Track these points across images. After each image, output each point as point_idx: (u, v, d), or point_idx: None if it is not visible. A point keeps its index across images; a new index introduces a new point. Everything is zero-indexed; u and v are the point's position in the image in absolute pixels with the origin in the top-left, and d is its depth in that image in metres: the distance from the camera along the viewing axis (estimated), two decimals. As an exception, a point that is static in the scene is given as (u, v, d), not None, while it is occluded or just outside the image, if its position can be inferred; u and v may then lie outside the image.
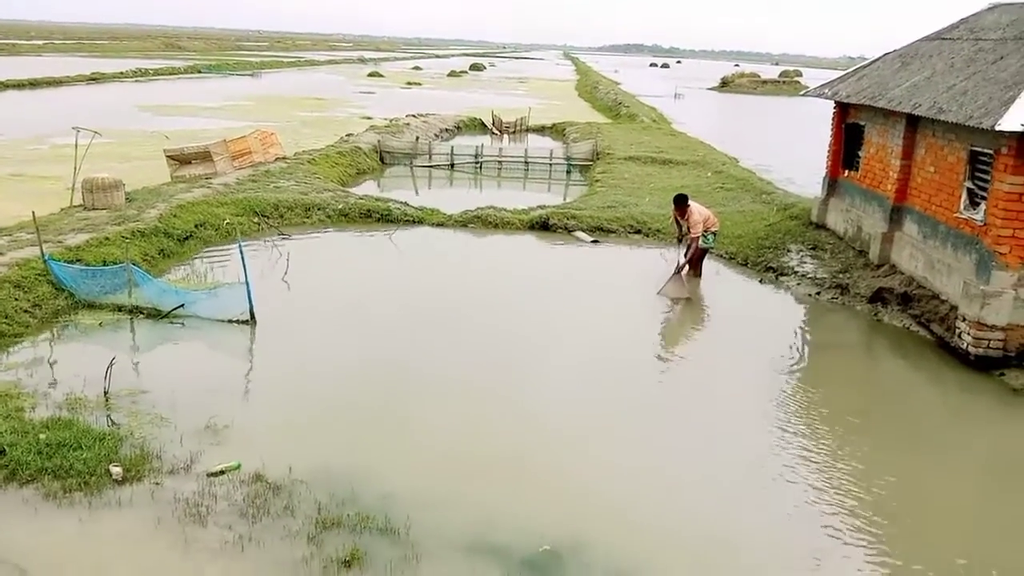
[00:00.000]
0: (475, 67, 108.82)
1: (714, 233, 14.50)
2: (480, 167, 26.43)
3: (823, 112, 20.44)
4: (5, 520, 6.72)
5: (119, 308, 11.51)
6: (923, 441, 9.00)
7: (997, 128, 9.89)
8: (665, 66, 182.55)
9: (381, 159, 26.93)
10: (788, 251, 15.76)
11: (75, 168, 16.97)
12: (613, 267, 15.64)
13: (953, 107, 11.41)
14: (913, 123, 13.34)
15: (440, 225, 17.86)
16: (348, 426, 8.63)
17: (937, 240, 12.47)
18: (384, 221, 17.82)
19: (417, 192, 22.92)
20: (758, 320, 12.75)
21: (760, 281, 14.79)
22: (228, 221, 16.16)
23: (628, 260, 16.21)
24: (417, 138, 28.96)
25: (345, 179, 22.94)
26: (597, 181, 23.20)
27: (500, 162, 26.69)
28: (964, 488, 8.13)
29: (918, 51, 15.36)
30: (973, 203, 11.53)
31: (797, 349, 11.67)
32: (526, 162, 26.62)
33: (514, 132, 37.56)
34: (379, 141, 27.61)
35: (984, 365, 10.66)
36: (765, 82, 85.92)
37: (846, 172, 16.40)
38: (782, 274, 14.89)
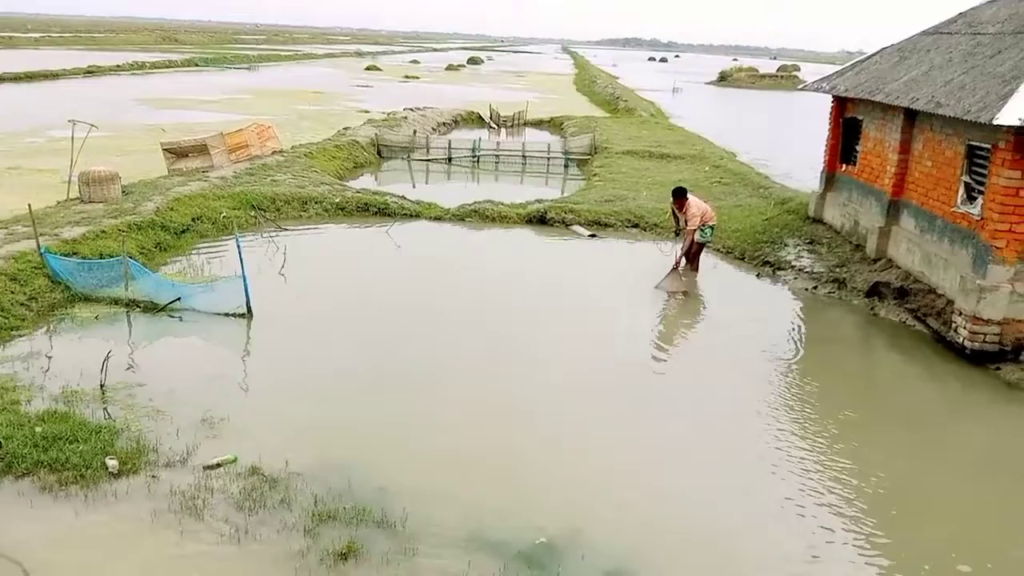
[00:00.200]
0: (473, 61, 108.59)
1: (712, 227, 14.49)
2: (478, 161, 26.40)
3: (821, 107, 20.42)
4: (1, 513, 6.72)
5: (115, 301, 11.50)
6: (919, 435, 9.01)
7: (995, 122, 9.88)
8: (663, 60, 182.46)
9: (378, 153, 26.89)
10: (785, 245, 15.77)
11: (72, 161, 16.93)
12: (610, 261, 15.64)
13: (951, 101, 11.40)
14: (911, 117, 13.33)
15: (437, 219, 17.84)
16: (345, 419, 8.63)
17: (934, 234, 12.48)
18: (381, 215, 17.80)
19: (414, 186, 22.88)
20: (755, 314, 12.75)
21: (757, 275, 14.80)
22: (225, 215, 16.14)
23: (625, 254, 16.20)
24: (415, 132, 28.92)
25: (342, 173, 22.91)
26: (595, 175, 23.18)
27: (498, 156, 26.67)
28: (960, 482, 8.14)
29: (916, 45, 15.35)
30: (970, 197, 11.53)
31: (794, 343, 11.68)
32: (524, 156, 26.60)
33: (512, 126, 37.50)
34: (376, 135, 27.57)
35: (980, 359, 10.68)
36: (763, 76, 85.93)
37: (844, 166, 16.40)
38: (779, 268, 14.89)
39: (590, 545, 6.61)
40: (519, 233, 17.19)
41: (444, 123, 35.95)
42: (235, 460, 7.54)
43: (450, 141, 27.69)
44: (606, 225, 17.55)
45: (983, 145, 11.09)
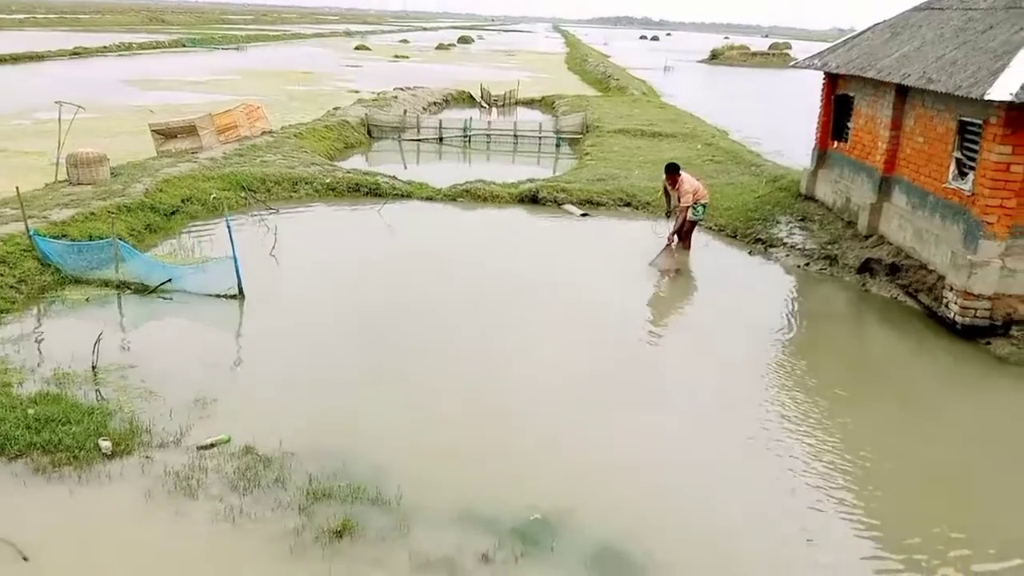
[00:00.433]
0: (463, 40, 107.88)
1: (704, 205, 14.47)
2: (469, 140, 26.27)
3: (813, 84, 20.38)
4: (-5, 494, 6.71)
5: (106, 283, 11.45)
6: (910, 410, 9.08)
7: (986, 98, 9.87)
8: (655, 39, 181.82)
9: (369, 133, 26.74)
10: (777, 223, 15.78)
11: (59, 143, 16.76)
12: (602, 240, 15.63)
13: (942, 77, 11.38)
14: (902, 93, 13.30)
15: (429, 199, 17.78)
16: (338, 399, 8.63)
17: (925, 210, 12.50)
18: (372, 195, 17.73)
19: (405, 166, 22.78)
20: (747, 291, 12.79)
21: (749, 253, 14.82)
22: (215, 196, 16.03)
23: (617, 232, 16.19)
24: (405, 111, 28.73)
25: (333, 153, 22.78)
26: (587, 154, 23.12)
27: (489, 135, 26.54)
28: (952, 456, 8.21)
29: (908, 21, 15.30)
30: (961, 173, 11.54)
31: (786, 320, 11.72)
32: (515, 135, 26.50)
33: (503, 105, 37.32)
34: (367, 115, 27.39)
35: (970, 334, 10.74)
36: (755, 54, 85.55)
37: (835, 143, 16.38)
38: (771, 246, 14.92)
39: (584, 521, 6.64)
40: (511, 213, 17.14)
41: (435, 103, 35.76)
42: (229, 440, 7.55)
43: (441, 121, 27.54)
44: (598, 204, 17.53)
45: (974, 121, 11.09)
